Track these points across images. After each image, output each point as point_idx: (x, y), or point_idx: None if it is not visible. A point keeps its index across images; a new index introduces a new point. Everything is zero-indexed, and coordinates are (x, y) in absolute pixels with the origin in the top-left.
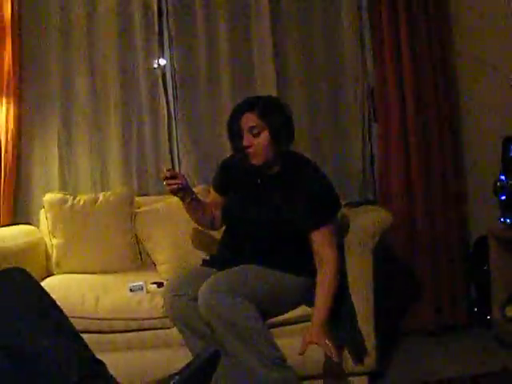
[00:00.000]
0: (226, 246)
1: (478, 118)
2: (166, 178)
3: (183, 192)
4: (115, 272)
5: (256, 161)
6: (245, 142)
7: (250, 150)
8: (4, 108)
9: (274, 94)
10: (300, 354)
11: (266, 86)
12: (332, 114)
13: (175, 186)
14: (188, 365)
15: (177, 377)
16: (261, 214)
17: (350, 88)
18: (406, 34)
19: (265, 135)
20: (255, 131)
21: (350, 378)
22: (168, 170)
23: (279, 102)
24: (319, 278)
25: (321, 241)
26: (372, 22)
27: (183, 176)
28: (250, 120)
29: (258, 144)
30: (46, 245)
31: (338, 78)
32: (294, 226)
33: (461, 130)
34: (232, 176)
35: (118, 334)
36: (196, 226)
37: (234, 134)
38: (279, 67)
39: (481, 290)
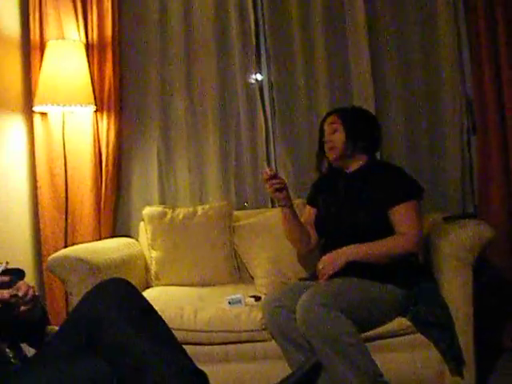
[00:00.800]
0: None
1: None
2: (269, 178)
3: (285, 193)
4: (213, 285)
5: (330, 154)
6: (325, 138)
7: (327, 145)
8: (105, 122)
9: (371, 107)
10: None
11: (363, 100)
12: (430, 126)
13: (277, 186)
14: (289, 375)
15: None
16: (350, 213)
17: (448, 100)
18: (504, 44)
19: (341, 132)
20: (333, 128)
21: None
22: (270, 170)
23: (363, 110)
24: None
25: (400, 218)
26: (469, 31)
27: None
28: (330, 119)
29: (335, 139)
30: (145, 257)
31: (436, 90)
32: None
33: None
34: (321, 190)
35: (216, 346)
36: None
37: (321, 136)
38: (377, 81)
39: None
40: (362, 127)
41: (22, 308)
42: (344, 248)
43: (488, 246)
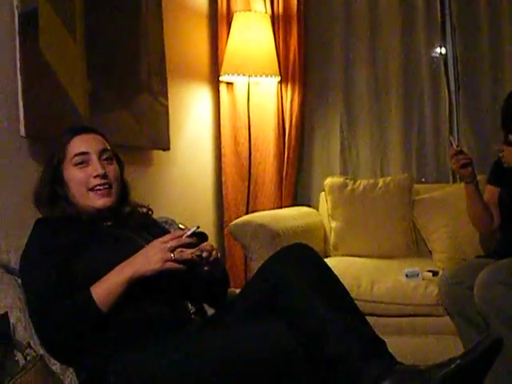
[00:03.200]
0: (505, 237)
1: None
2: (455, 154)
3: (470, 169)
4: (391, 257)
5: None
6: None
7: None
8: (289, 93)
9: None
10: None
11: None
12: None
13: (463, 161)
14: (469, 350)
15: (458, 361)
16: None
17: None
18: None
19: None
20: None
21: None
22: (457, 146)
23: None
24: None
25: None
26: None
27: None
28: None
29: None
30: (324, 227)
31: None
32: None
33: None
34: (504, 168)
35: (390, 318)
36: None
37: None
38: None
39: None
40: None
41: (205, 268)
42: None
43: None
